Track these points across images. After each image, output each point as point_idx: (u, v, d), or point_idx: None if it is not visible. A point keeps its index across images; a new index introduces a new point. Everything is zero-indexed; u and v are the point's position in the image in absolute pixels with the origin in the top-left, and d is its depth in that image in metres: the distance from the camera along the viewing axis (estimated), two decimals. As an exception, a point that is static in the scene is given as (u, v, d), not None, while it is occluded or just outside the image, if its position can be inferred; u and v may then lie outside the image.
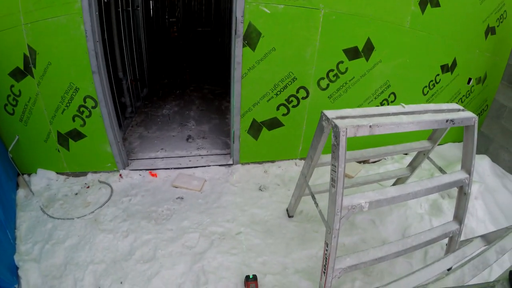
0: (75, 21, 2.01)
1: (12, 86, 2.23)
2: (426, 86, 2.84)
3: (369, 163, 2.79)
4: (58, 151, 2.49)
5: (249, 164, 2.63)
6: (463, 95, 3.24)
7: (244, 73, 2.24)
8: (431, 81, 2.85)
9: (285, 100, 2.40)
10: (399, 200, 1.58)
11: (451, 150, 3.31)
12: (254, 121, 2.44)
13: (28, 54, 2.11)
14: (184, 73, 5.15)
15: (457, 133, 3.46)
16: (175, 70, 5.42)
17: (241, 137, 2.49)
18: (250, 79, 2.27)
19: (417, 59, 2.65)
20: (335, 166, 1.32)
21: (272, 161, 2.67)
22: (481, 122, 3.30)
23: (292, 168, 2.62)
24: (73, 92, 2.23)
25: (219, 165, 2.59)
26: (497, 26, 3.09)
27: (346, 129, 1.27)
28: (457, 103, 3.08)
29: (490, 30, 3.04)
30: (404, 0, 2.36)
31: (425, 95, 2.88)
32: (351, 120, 1.37)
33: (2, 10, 1.98)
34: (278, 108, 2.42)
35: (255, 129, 2.48)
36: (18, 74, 2.19)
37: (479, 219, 2.17)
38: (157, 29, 5.08)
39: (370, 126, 1.35)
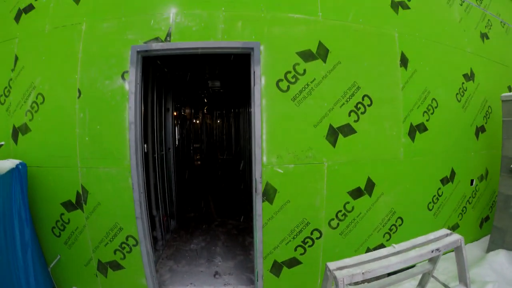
0: (124, 175, 3.08)
1: (62, 214, 3.23)
2: (430, 202, 3.76)
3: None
4: (96, 276, 3.34)
5: None
6: (470, 197, 4.15)
7: (265, 223, 3.16)
8: (434, 196, 3.78)
9: (301, 241, 3.26)
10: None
11: (470, 251, 4.11)
12: (275, 261, 3.27)
13: (80, 192, 3.14)
14: (209, 206, 6.70)
15: (475, 233, 4.41)
16: (200, 201, 7.06)
17: (264, 276, 3.28)
18: (270, 228, 3.18)
19: (416, 181, 3.59)
20: None
21: None
22: (492, 216, 4.15)
23: (313, 301, 3.36)
24: (117, 230, 3.18)
25: None
26: (485, 123, 4.20)
27: (343, 279, 2.07)
28: (465, 205, 4.05)
29: (480, 130, 4.13)
30: (394, 136, 3.42)
31: (430, 210, 3.77)
32: (348, 270, 2.14)
33: (64, 151, 3.11)
34: (295, 249, 3.27)
35: (276, 268, 3.29)
36: (70, 206, 3.19)
37: (500, 317, 2.76)
38: (182, 159, 6.85)
39: (363, 273, 2.13)
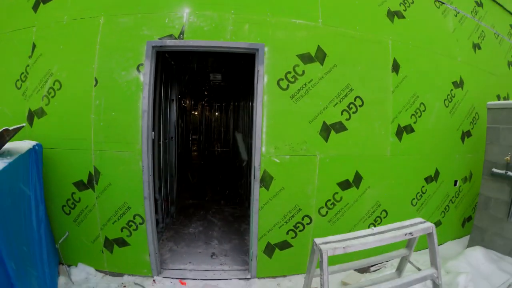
0: (135, 158, 3.59)
1: (73, 193, 3.72)
2: (414, 198, 4.33)
3: (369, 272, 4.08)
4: (102, 252, 3.83)
5: (264, 278, 3.90)
6: (453, 196, 4.74)
7: (261, 207, 3.70)
8: (418, 193, 4.35)
9: (293, 226, 3.80)
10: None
11: (451, 248, 4.77)
12: (268, 243, 3.81)
13: (93, 173, 3.64)
14: (206, 194, 7.48)
15: (457, 231, 5.03)
16: (198, 189, 7.87)
17: (258, 256, 3.81)
18: (265, 212, 3.72)
19: (401, 178, 4.15)
20: (322, 275, 2.60)
21: (284, 276, 3.94)
22: (473, 216, 4.71)
23: (301, 281, 3.79)
24: (126, 209, 3.69)
25: (239, 279, 3.88)
26: (472, 128, 4.77)
27: (327, 251, 2.57)
28: (447, 204, 4.68)
29: (466, 134, 4.71)
30: (383, 135, 3.97)
31: (414, 206, 4.33)
32: (331, 244, 2.64)
33: (78, 135, 3.61)
34: (287, 233, 3.81)
35: (269, 250, 3.82)
36: (81, 186, 3.69)
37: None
38: (182, 149, 7.49)
39: (343, 248, 2.63)
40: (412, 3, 4.31)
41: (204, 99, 14.11)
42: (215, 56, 5.59)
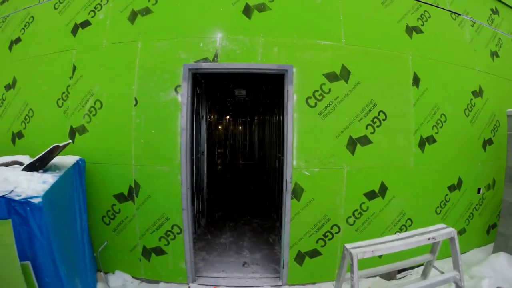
0: (174, 172, 4.06)
1: (113, 204, 4.20)
2: (438, 207, 4.69)
3: (396, 279, 4.46)
4: (140, 260, 4.29)
5: (294, 285, 4.30)
6: (476, 204, 5.08)
7: (292, 217, 4.12)
8: (442, 201, 4.71)
9: (323, 235, 4.22)
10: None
11: (476, 255, 5.12)
12: (299, 252, 4.22)
13: (133, 186, 4.11)
14: (234, 206, 8.12)
15: (482, 239, 5.37)
16: (226, 202, 8.55)
17: (289, 264, 4.22)
18: (296, 221, 4.15)
19: (425, 188, 4.52)
20: (353, 277, 2.98)
21: (313, 283, 4.33)
22: (498, 223, 5.02)
23: (330, 288, 4.23)
24: (164, 220, 4.16)
25: (271, 286, 4.30)
26: (493, 136, 5.12)
27: (357, 254, 2.97)
28: (471, 212, 5.05)
29: (487, 142, 5.06)
30: (406, 146, 4.38)
31: (438, 214, 4.69)
32: (361, 248, 3.03)
33: (119, 150, 4.10)
34: (317, 242, 4.21)
35: (300, 258, 4.23)
36: (122, 198, 4.17)
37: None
38: (209, 164, 8.07)
39: (372, 251, 3.03)
40: (429, 17, 4.76)
41: (229, 113, 14.87)
42: (242, 74, 6.16)
